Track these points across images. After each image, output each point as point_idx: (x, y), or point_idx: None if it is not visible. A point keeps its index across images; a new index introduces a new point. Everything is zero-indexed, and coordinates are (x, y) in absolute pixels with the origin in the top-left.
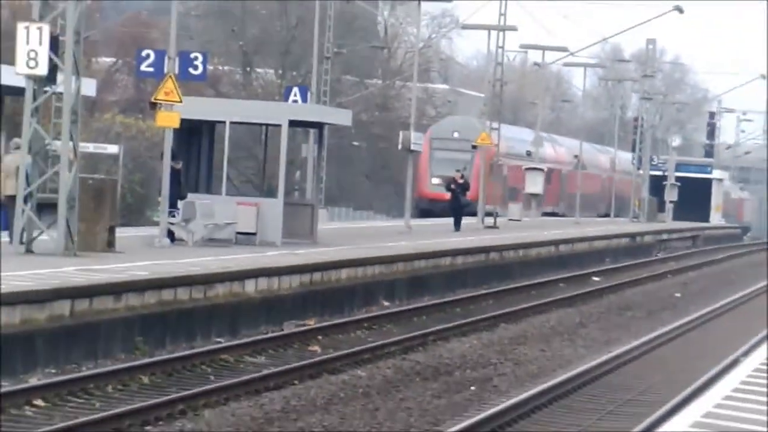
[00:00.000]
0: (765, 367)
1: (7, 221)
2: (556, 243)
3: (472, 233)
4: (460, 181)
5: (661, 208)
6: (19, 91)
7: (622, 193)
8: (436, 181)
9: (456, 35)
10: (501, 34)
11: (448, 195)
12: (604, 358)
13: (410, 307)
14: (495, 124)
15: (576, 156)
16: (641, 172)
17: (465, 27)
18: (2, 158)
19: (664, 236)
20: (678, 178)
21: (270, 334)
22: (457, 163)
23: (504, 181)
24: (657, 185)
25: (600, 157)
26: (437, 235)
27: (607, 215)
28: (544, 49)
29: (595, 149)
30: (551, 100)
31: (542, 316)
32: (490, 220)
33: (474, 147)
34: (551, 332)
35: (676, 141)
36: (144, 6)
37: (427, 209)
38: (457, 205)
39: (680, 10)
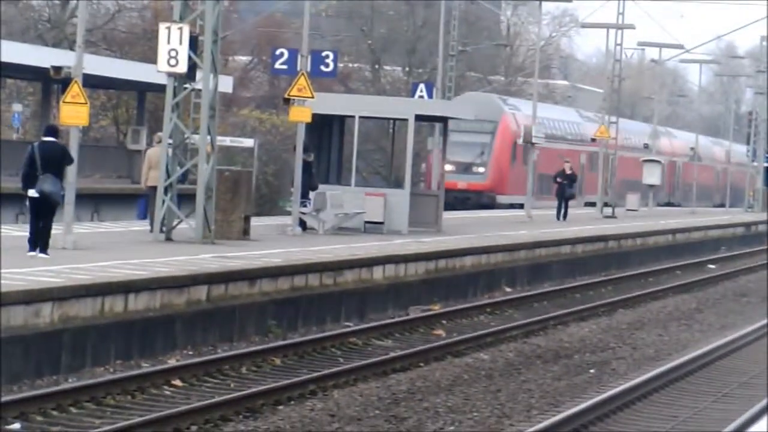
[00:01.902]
0: None
1: (147, 209)
2: (672, 232)
3: (591, 222)
4: (569, 173)
5: None
6: (160, 88)
7: (737, 184)
8: (448, 167)
9: (576, 34)
10: (619, 32)
11: (460, 184)
12: (719, 342)
13: (531, 293)
14: (613, 119)
15: (692, 148)
16: (756, 164)
17: (584, 26)
18: (146, 151)
19: None
20: None
21: (396, 319)
22: (474, 147)
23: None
24: None
25: (715, 150)
26: (557, 224)
27: (722, 205)
28: (660, 46)
29: (710, 142)
30: (667, 95)
31: (659, 302)
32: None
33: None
34: (668, 317)
35: None
36: (278, 7)
37: None
38: (562, 196)
39: None
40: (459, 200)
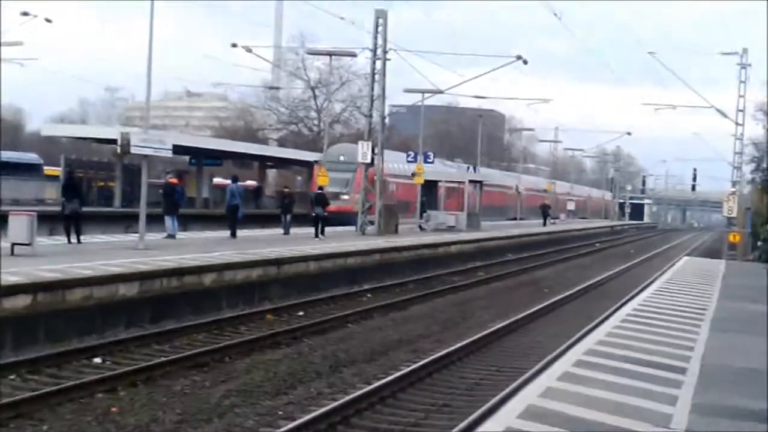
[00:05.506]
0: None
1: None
2: (580, 231)
3: (549, 227)
4: (547, 203)
5: (622, 216)
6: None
7: (607, 209)
8: None
9: (537, 143)
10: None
11: (333, 207)
12: (605, 276)
13: (521, 256)
14: (557, 182)
15: (588, 194)
16: (615, 199)
17: (540, 141)
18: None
19: (625, 227)
20: (630, 203)
21: (461, 268)
22: (341, 181)
23: (392, 195)
24: (622, 206)
25: (593, 193)
26: (538, 227)
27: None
28: (573, 150)
29: (593, 189)
30: (576, 172)
31: (574, 260)
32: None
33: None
34: (575, 267)
35: (628, 187)
36: (409, 132)
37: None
38: (545, 215)
39: (629, 133)
40: (331, 218)
